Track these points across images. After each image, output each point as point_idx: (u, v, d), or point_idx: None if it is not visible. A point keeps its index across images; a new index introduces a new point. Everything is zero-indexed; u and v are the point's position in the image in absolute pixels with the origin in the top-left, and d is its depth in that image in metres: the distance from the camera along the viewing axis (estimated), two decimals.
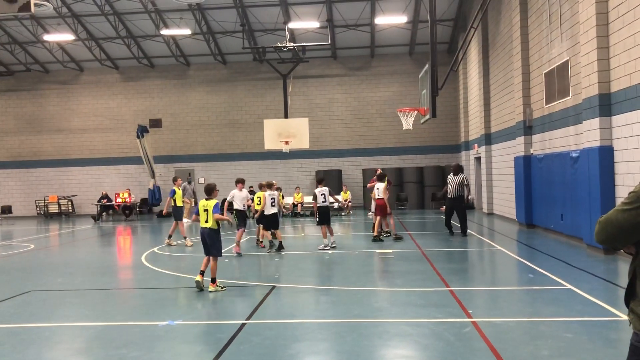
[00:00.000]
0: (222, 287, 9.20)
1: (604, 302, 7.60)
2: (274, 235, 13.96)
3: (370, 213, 17.96)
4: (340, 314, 7.55)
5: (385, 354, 5.96)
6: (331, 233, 13.95)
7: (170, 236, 15.79)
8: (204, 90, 30.30)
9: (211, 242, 9.37)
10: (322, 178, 14.50)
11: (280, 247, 13.63)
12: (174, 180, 16.42)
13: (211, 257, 9.38)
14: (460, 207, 15.67)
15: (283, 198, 24.62)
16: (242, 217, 13.92)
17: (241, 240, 13.80)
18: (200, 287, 9.18)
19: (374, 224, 15.38)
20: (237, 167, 29.87)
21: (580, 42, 12.59)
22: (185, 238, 15.63)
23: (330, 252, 13.30)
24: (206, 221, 9.39)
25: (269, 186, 13.97)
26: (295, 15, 25.41)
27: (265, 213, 13.66)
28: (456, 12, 25.70)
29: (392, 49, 28.91)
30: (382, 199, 15.16)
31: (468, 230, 16.07)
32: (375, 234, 15.05)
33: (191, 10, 24.90)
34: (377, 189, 15.35)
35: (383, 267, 11.38)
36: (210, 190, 9.56)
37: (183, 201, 16.86)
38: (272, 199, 13.69)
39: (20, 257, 14.39)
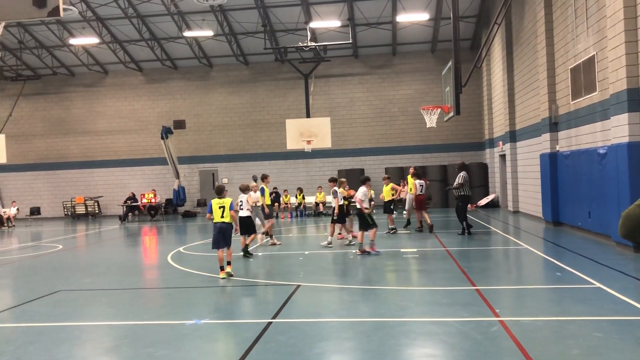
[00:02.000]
0: (230, 274, 10.32)
1: (635, 300, 7.45)
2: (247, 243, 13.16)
3: (405, 211, 18.15)
4: (366, 313, 7.54)
5: (411, 353, 5.93)
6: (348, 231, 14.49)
7: (271, 235, 15.05)
8: (226, 91, 30.49)
9: (228, 235, 10.44)
10: (366, 178, 13.65)
11: (246, 253, 12.89)
12: (263, 178, 15.39)
13: (226, 249, 10.43)
14: (459, 207, 15.68)
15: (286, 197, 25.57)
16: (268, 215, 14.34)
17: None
18: (230, 275, 10.27)
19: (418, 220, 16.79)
20: (259, 167, 29.99)
21: (607, 37, 12.36)
22: (271, 237, 15.00)
23: (354, 251, 13.29)
24: (222, 216, 10.35)
25: (245, 188, 13.44)
26: (316, 15, 25.42)
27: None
28: (479, 8, 25.44)
29: (414, 47, 28.74)
30: (423, 194, 16.80)
31: (492, 228, 16.03)
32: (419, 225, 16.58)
33: (213, 12, 25.08)
34: (421, 185, 16.70)
35: (408, 266, 11.33)
36: (221, 191, 10.63)
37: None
38: (239, 201, 12.99)
39: (50, 258, 14.66)
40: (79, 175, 31.58)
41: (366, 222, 12.63)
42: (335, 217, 14.23)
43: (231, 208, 10.38)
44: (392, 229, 16.52)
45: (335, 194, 14.21)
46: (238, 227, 10.98)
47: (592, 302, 7.53)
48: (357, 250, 12.66)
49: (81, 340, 6.84)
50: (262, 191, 14.87)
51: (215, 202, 10.42)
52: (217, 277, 10.29)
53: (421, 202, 16.77)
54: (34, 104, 31.84)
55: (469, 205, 16.54)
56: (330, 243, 14.21)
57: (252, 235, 13.12)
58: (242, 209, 12.97)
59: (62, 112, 31.70)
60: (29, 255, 15.42)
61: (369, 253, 12.51)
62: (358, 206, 12.75)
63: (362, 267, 11.36)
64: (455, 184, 15.76)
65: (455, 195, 15.83)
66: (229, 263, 10.47)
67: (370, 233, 12.63)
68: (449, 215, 23.08)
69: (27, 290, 10.21)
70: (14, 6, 6.26)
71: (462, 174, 15.49)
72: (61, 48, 28.64)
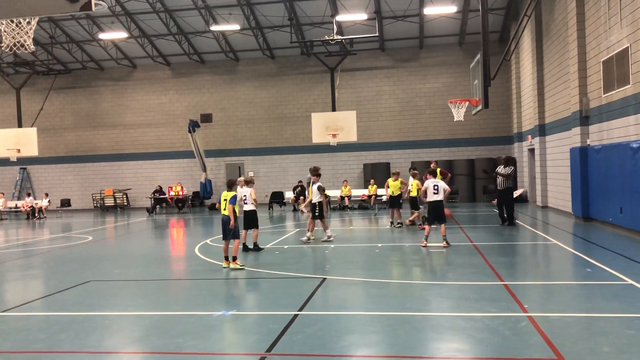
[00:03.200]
0: (241, 266, 10.65)
1: None
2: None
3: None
4: (392, 307, 7.52)
5: (439, 347, 5.90)
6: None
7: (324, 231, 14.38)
8: (252, 85, 30.62)
9: (225, 227, 10.86)
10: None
11: (254, 248, 12.87)
12: (316, 172, 14.64)
13: (232, 240, 10.77)
14: (508, 198, 16.25)
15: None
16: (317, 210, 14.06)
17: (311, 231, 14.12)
18: (240, 268, 10.58)
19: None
20: (285, 161, 30.12)
21: None
22: (327, 231, 14.27)
23: (380, 245, 13.25)
24: (225, 209, 10.86)
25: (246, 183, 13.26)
26: (342, 8, 25.33)
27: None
28: (508, 0, 25.04)
29: (442, 39, 28.44)
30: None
31: (520, 223, 15.96)
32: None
33: (240, 6, 25.17)
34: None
35: (434, 261, 11.25)
36: (231, 184, 11.13)
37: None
38: (243, 195, 12.78)
39: (80, 249, 14.94)
40: (108, 168, 32.09)
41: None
42: (317, 213, 13.86)
43: (231, 202, 10.72)
44: (399, 223, 16.69)
45: (321, 189, 13.90)
46: (233, 222, 10.60)
47: (623, 299, 7.38)
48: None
49: (111, 330, 6.96)
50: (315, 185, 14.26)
51: (223, 195, 11.04)
52: (243, 269, 10.41)
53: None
54: (64, 98, 32.42)
55: (495, 200, 16.56)
56: (309, 239, 13.93)
57: (256, 231, 12.90)
58: (246, 203, 12.83)
59: (91, 105, 32.23)
60: (59, 246, 15.74)
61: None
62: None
63: (388, 261, 11.33)
64: (504, 172, 16.15)
65: (502, 187, 16.24)
66: (234, 258, 10.70)
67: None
68: (476, 209, 22.86)
69: (58, 280, 10.43)
70: (48, 1, 6.38)
71: (511, 167, 16.39)
72: (91, 43, 29.08)
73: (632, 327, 6.16)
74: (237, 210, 10.95)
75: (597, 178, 15.60)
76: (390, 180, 16.84)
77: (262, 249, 12.98)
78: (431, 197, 12.65)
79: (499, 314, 6.85)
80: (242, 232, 12.57)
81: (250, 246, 12.98)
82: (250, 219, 12.88)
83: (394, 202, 16.69)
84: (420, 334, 6.25)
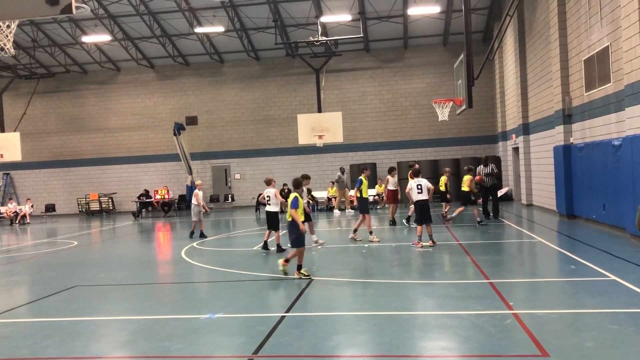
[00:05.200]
0: (306, 275, 9.53)
1: None
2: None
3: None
4: (379, 307, 7.55)
5: (425, 345, 5.93)
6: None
7: (355, 230, 14.11)
8: (238, 87, 30.56)
9: (288, 232, 9.78)
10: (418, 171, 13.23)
11: (278, 250, 12.66)
12: (363, 169, 14.57)
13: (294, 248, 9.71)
14: (494, 193, 17.62)
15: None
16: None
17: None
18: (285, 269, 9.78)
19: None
20: (271, 163, 30.08)
21: (621, 27, 12.22)
22: (371, 233, 13.82)
23: (367, 245, 13.28)
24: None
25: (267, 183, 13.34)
26: (327, 9, 25.36)
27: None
28: (491, 0, 25.24)
29: (426, 40, 28.59)
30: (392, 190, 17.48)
31: (505, 221, 16.56)
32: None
33: (224, 8, 25.12)
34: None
35: (421, 260, 11.30)
36: (299, 184, 10.04)
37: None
38: (267, 195, 13.00)
39: (65, 254, 14.81)
40: (92, 172, 31.84)
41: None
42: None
43: (292, 206, 9.53)
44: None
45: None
46: (302, 226, 9.56)
47: (607, 295, 7.47)
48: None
49: (97, 335, 6.91)
50: (360, 183, 13.94)
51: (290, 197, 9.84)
52: (231, 272, 10.39)
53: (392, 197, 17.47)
54: (47, 102, 32.12)
55: (480, 199, 16.87)
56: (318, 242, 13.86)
57: (277, 233, 12.88)
58: (269, 204, 12.96)
59: (75, 109, 31.95)
60: (44, 252, 15.58)
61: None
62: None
63: (375, 261, 11.36)
64: (487, 172, 17.23)
65: (488, 184, 17.27)
66: (299, 267, 9.65)
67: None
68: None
69: (43, 286, 10.33)
70: (27, 4, 6.32)
71: (491, 164, 17.52)
72: (74, 46, 28.85)
73: (615, 322, 6.23)
74: (300, 214, 9.76)
75: (580, 176, 15.77)
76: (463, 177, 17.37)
77: (284, 249, 12.55)
78: (416, 197, 12.71)
79: (484, 312, 6.90)
80: (266, 233, 13.05)
81: (273, 247, 12.94)
82: (272, 220, 12.91)
83: (465, 199, 16.93)
84: (407, 332, 6.29)
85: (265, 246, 13.06)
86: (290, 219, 9.61)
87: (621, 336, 5.79)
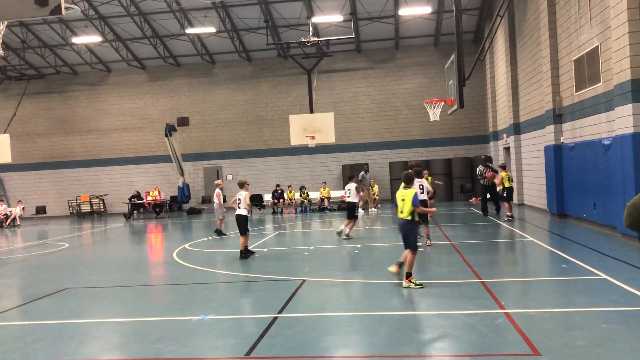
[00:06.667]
0: (416, 284, 8.35)
1: None
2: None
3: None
4: (371, 307, 7.55)
5: (418, 345, 5.94)
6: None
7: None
8: (229, 88, 30.49)
9: (404, 234, 8.71)
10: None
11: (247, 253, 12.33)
12: (411, 168, 13.86)
13: (408, 250, 8.63)
14: (493, 191, 18.18)
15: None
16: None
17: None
18: (398, 275, 8.86)
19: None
20: (264, 163, 30.04)
21: (610, 27, 12.31)
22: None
23: (359, 245, 13.30)
24: (401, 211, 8.63)
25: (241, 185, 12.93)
26: (318, 10, 25.37)
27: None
28: (481, 0, 25.34)
29: (417, 40, 28.65)
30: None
31: (497, 220, 16.70)
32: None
33: (215, 8, 25.06)
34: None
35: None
36: (410, 179, 8.89)
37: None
38: (237, 198, 12.65)
39: (56, 256, 14.73)
40: (83, 174, 31.66)
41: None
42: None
43: (414, 203, 8.46)
44: (509, 216, 17.34)
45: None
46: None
47: (597, 294, 7.52)
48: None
49: (88, 337, 6.88)
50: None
51: (399, 194, 8.76)
52: (221, 273, 10.36)
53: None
54: (37, 103, 31.91)
55: (473, 199, 16.93)
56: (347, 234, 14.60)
57: (242, 237, 12.37)
58: (239, 207, 12.48)
59: (66, 111, 31.78)
60: (35, 254, 15.49)
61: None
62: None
63: (367, 261, 11.37)
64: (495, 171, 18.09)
65: (488, 183, 18.03)
66: (408, 275, 8.54)
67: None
68: (453, 208, 23.05)
69: (34, 288, 10.26)
70: (16, 5, 6.28)
71: (490, 164, 18.43)
72: (64, 47, 28.68)
73: (606, 321, 6.27)
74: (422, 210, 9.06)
75: (571, 175, 15.86)
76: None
77: (253, 252, 12.55)
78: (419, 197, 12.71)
79: (476, 311, 6.93)
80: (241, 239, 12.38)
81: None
82: (241, 224, 12.37)
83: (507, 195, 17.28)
84: (399, 333, 6.29)
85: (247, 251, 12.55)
86: (409, 218, 8.55)
87: (611, 334, 5.83)
